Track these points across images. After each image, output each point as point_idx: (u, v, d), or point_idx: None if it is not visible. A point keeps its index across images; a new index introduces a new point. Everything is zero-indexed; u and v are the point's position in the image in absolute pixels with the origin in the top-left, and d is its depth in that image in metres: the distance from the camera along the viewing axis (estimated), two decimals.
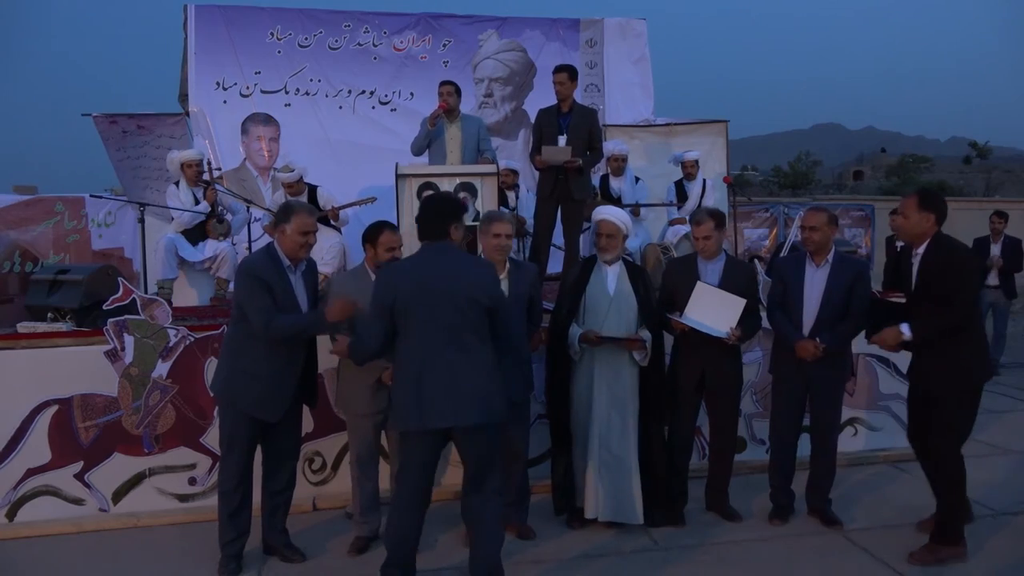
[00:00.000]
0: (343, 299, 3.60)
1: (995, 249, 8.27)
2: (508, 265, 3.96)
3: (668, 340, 4.34)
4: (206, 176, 6.55)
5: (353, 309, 3.59)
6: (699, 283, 4.14)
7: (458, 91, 6.09)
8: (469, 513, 3.39)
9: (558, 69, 5.91)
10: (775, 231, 10.03)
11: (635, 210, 6.98)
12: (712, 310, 4.08)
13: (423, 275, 3.22)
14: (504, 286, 3.90)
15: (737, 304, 4.05)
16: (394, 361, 3.34)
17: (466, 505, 3.84)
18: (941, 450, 3.78)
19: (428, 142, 6.06)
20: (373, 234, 3.87)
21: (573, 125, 5.84)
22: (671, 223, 7.39)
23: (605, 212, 4.16)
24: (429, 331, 3.18)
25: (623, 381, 4.08)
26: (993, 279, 8.19)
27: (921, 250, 3.77)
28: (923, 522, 4.14)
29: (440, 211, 3.37)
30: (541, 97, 8.17)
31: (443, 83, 6.11)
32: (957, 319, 3.66)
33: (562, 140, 5.83)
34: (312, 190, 6.56)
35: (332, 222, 6.49)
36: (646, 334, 4.06)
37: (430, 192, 5.25)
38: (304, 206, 3.87)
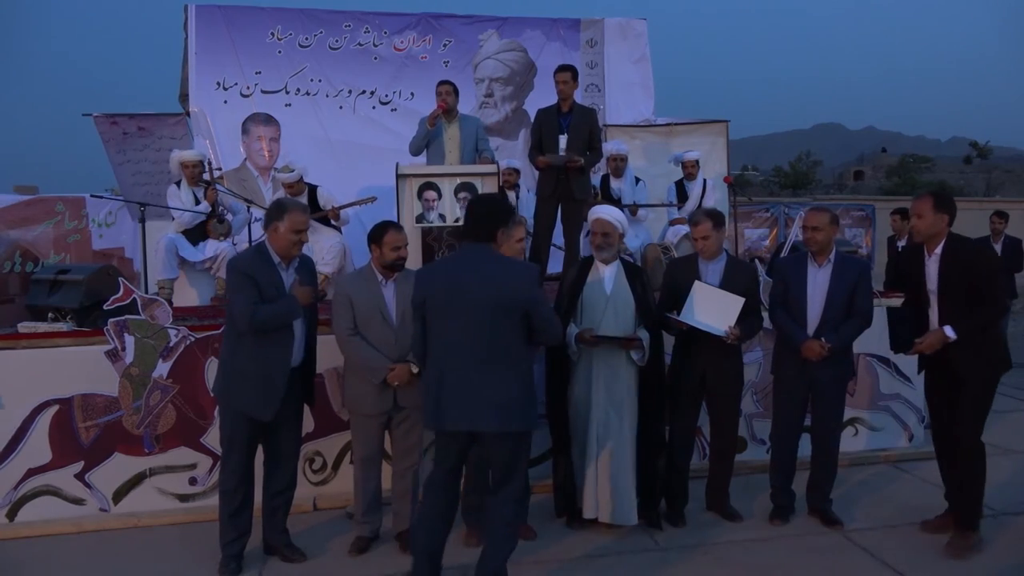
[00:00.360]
0: (307, 286, 3.70)
1: (995, 249, 8.27)
2: None
3: (668, 340, 4.34)
4: (207, 176, 6.55)
5: (315, 293, 3.77)
6: (697, 282, 4.14)
7: (456, 91, 6.09)
8: (485, 514, 3.42)
9: (561, 68, 5.91)
10: (775, 231, 10.03)
11: (632, 210, 6.99)
12: (711, 309, 4.07)
13: (454, 278, 3.22)
14: None
15: (736, 303, 4.05)
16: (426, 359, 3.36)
17: (475, 505, 3.92)
18: (972, 436, 3.89)
19: (427, 142, 6.06)
20: (378, 234, 3.86)
21: (574, 125, 5.85)
22: (671, 223, 7.39)
23: (600, 211, 4.16)
24: (455, 333, 3.19)
25: (621, 382, 4.07)
26: None
27: (939, 250, 3.85)
28: (927, 523, 4.16)
29: (490, 213, 3.32)
30: (541, 97, 8.17)
31: (441, 83, 6.11)
32: (995, 314, 3.84)
33: (563, 140, 5.83)
34: (312, 190, 6.56)
35: (333, 222, 6.49)
36: (644, 334, 4.05)
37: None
38: (297, 204, 3.86)
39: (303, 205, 3.91)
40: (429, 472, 3.40)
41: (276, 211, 3.67)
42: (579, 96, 6.67)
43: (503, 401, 3.16)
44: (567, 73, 5.85)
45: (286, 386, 3.69)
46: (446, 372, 3.19)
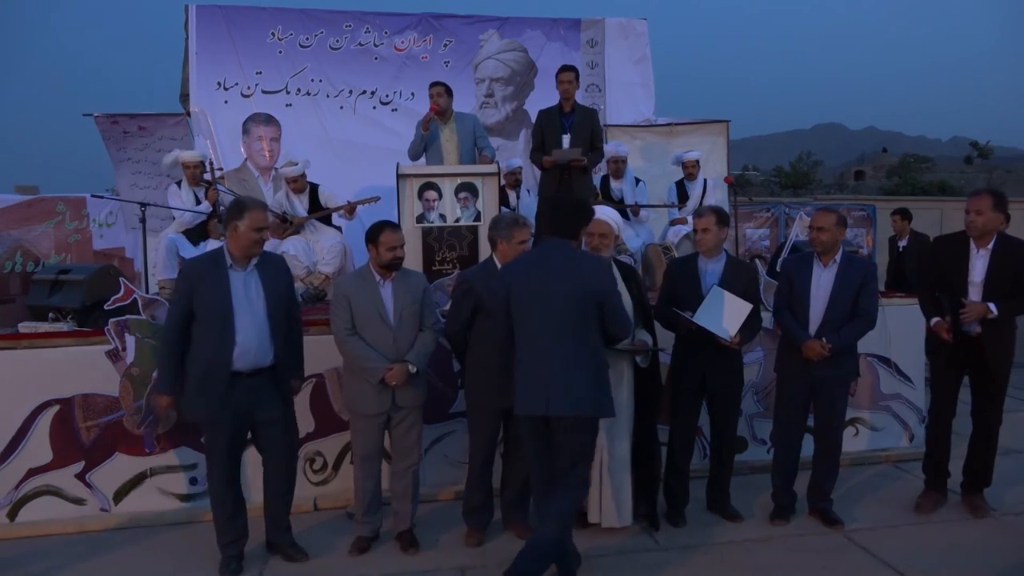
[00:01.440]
0: (167, 399, 3.70)
1: None
2: None
3: (666, 340, 4.33)
4: (207, 176, 6.56)
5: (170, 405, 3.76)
6: (715, 287, 4.14)
7: (448, 91, 6.07)
8: (541, 509, 3.53)
9: (565, 69, 5.92)
10: (776, 231, 10.04)
11: (634, 210, 6.99)
12: (721, 313, 4.08)
13: (536, 269, 3.40)
14: None
15: (744, 309, 4.06)
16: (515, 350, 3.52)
17: (476, 506, 4.04)
18: (996, 416, 4.32)
19: (424, 146, 6.05)
20: (374, 234, 3.86)
21: (576, 124, 5.85)
22: (672, 223, 7.38)
23: (597, 211, 4.16)
24: (538, 323, 3.36)
25: (622, 386, 4.02)
26: None
27: (991, 246, 4.10)
28: (920, 505, 4.41)
29: (575, 212, 3.61)
30: (542, 97, 8.17)
31: (432, 84, 6.08)
32: None
33: (566, 139, 5.83)
34: (313, 188, 6.58)
35: (345, 217, 6.50)
36: (646, 336, 4.05)
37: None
38: (257, 202, 3.80)
39: (263, 203, 3.89)
40: (530, 467, 3.60)
41: (236, 210, 3.60)
42: (580, 96, 6.68)
43: (576, 387, 3.31)
44: (570, 73, 5.85)
45: (224, 388, 3.57)
46: (527, 361, 3.37)
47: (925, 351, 4.59)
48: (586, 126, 5.87)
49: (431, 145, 6.04)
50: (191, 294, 3.57)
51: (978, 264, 4.13)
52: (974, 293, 4.13)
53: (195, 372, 3.60)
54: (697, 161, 7.39)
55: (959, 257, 4.18)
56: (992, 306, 4.04)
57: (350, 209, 6.41)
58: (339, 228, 6.67)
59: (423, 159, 6.17)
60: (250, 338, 3.61)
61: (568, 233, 3.55)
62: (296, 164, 6.53)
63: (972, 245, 4.15)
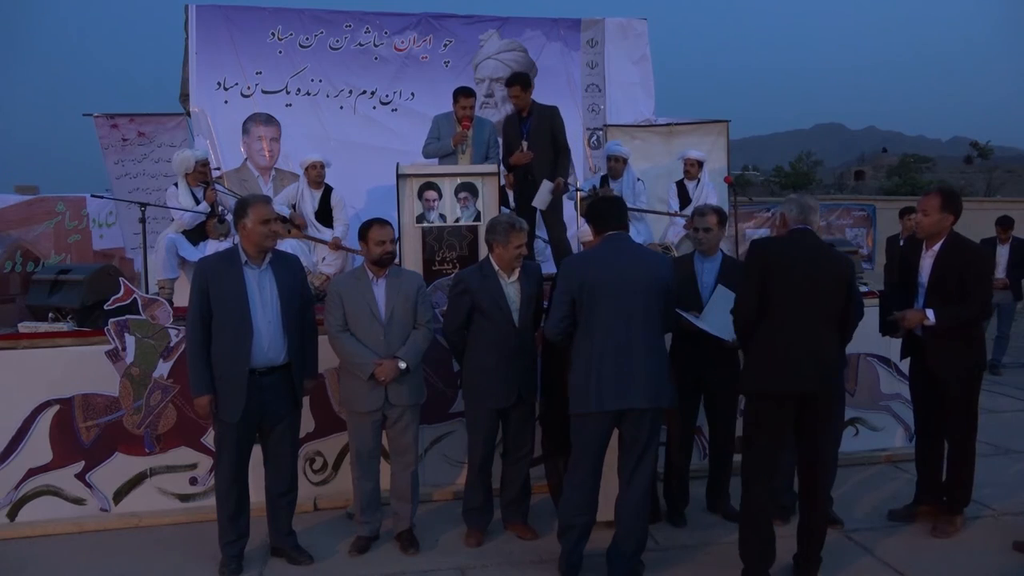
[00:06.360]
0: (207, 399, 3.61)
1: (1002, 251, 8.23)
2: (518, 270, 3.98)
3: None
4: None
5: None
6: (720, 286, 4.16)
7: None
8: (576, 499, 3.53)
9: (509, 83, 5.96)
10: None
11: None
12: (725, 314, 4.08)
13: (610, 264, 3.46)
14: (515, 289, 3.92)
15: None
16: (572, 347, 3.50)
17: (476, 505, 4.04)
18: (963, 430, 4.04)
19: (444, 153, 6.04)
20: (364, 230, 3.91)
21: (533, 129, 5.87)
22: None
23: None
24: (610, 316, 3.38)
25: None
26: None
27: (937, 247, 3.99)
28: (894, 512, 4.32)
29: (622, 205, 3.74)
30: (542, 97, 8.12)
31: (464, 94, 5.91)
32: (978, 312, 3.99)
33: (524, 146, 5.86)
34: (328, 190, 6.68)
35: (332, 250, 6.56)
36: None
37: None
38: (259, 196, 3.84)
39: (266, 197, 3.93)
40: (576, 465, 3.52)
41: (240, 209, 3.66)
42: (579, 96, 6.64)
43: (654, 378, 3.36)
44: (516, 87, 5.87)
45: (246, 386, 3.60)
46: (600, 353, 3.36)
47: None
48: (544, 127, 5.87)
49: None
50: (207, 291, 3.59)
51: (926, 265, 4.03)
52: (922, 294, 4.04)
53: (215, 370, 3.62)
54: (697, 161, 7.38)
55: (914, 258, 4.11)
56: (930, 313, 3.91)
57: (335, 245, 6.51)
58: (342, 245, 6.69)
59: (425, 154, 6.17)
60: (264, 336, 3.65)
61: (620, 224, 3.61)
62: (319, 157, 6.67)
63: (924, 246, 4.07)
